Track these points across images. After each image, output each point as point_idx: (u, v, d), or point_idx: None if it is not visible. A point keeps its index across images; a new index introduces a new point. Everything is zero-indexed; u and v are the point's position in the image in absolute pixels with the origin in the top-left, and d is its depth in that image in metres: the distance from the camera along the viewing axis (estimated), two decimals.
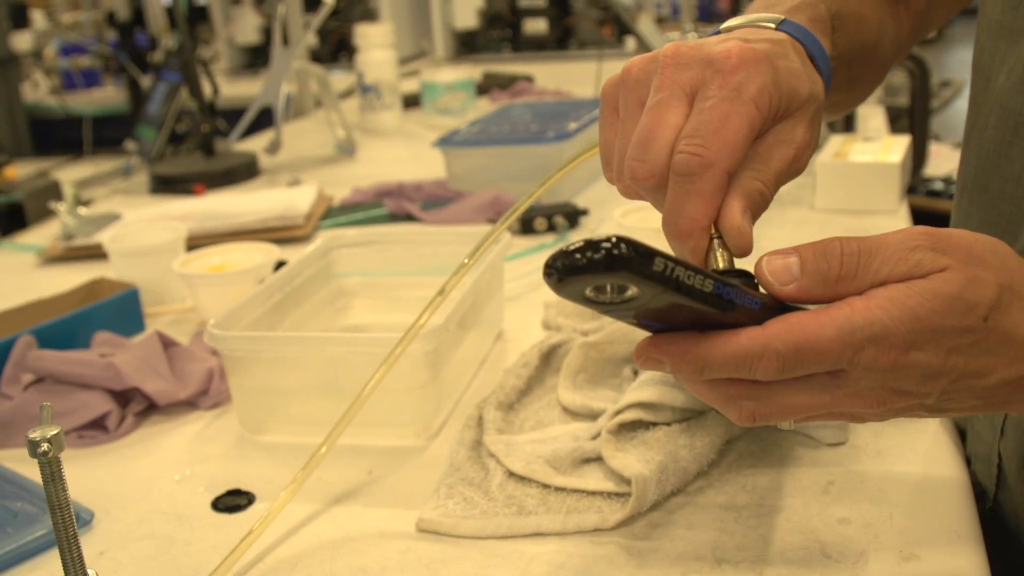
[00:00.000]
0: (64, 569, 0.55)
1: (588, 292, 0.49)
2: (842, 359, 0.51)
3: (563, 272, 0.47)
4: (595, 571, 0.68)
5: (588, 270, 0.47)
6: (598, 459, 0.78)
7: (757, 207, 0.59)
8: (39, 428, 0.52)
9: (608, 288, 0.49)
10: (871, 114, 1.96)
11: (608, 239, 0.47)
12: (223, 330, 0.87)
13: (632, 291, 0.49)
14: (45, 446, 0.52)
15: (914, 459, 0.78)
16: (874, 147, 1.47)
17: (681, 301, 0.50)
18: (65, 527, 0.54)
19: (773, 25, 0.66)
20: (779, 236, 1.32)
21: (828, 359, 0.51)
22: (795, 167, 0.62)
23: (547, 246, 1.34)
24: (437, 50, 3.38)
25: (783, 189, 1.36)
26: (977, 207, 0.83)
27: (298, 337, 0.90)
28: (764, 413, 0.54)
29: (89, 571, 0.56)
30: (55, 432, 0.52)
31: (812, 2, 0.70)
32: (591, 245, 0.47)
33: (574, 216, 1.41)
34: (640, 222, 1.18)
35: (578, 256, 0.47)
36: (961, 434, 0.93)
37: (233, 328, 0.90)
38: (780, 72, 0.60)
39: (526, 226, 1.39)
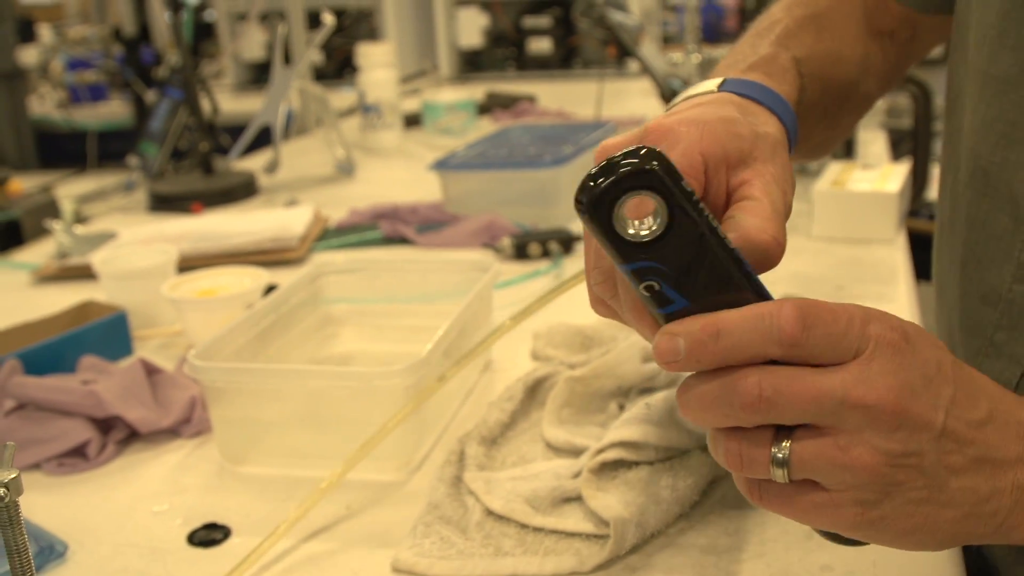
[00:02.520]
0: None
1: (616, 225, 0.48)
2: (853, 325, 0.50)
3: (598, 184, 0.48)
4: None
5: (626, 180, 0.47)
6: (579, 498, 0.77)
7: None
8: None
9: (637, 223, 0.49)
10: (871, 140, 1.95)
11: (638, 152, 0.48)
12: (205, 360, 0.87)
13: (661, 221, 0.48)
14: (2, 491, 0.51)
15: None
16: (873, 175, 1.46)
17: (707, 245, 0.49)
18: (23, 572, 0.53)
19: (714, 88, 0.68)
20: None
21: (841, 322, 0.50)
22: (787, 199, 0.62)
23: (540, 273, 1.33)
24: (441, 68, 3.38)
25: None
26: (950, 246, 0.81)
27: (279, 369, 0.89)
28: (770, 387, 0.50)
29: None
30: (13, 476, 0.51)
31: (771, 55, 0.72)
32: (628, 153, 0.48)
33: (568, 242, 1.40)
34: None
35: (616, 166, 0.48)
36: None
37: (218, 356, 0.89)
38: (711, 126, 0.60)
39: (520, 252, 1.38)
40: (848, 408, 0.50)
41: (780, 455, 0.51)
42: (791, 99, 0.70)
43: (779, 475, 0.51)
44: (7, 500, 0.51)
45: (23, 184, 2.33)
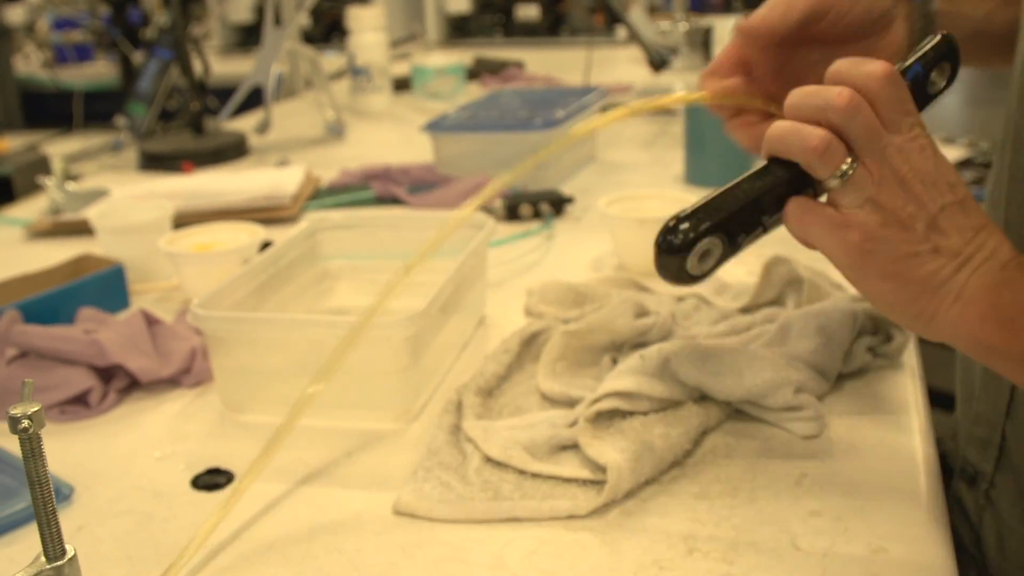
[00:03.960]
0: (43, 544, 0.56)
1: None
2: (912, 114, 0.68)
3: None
4: (568, 557, 0.69)
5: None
6: (574, 446, 0.79)
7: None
8: (20, 405, 0.53)
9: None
10: None
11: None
12: (207, 310, 0.88)
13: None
14: (26, 423, 0.52)
15: (886, 453, 0.79)
16: None
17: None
18: (44, 503, 0.55)
19: None
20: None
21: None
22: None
23: (532, 232, 1.35)
24: (429, 33, 3.38)
25: None
26: None
27: (280, 319, 0.90)
28: (859, 100, 0.65)
29: (67, 546, 0.57)
30: (36, 409, 0.53)
31: None
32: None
33: (559, 203, 1.41)
34: (624, 212, 1.19)
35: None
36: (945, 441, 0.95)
37: (217, 308, 0.91)
38: None
39: (511, 212, 1.39)
40: (889, 156, 0.66)
41: (847, 163, 0.66)
42: None
43: (835, 182, 0.66)
44: (31, 431, 0.53)
45: (8, 144, 2.33)
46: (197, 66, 2.06)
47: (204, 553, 0.72)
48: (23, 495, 0.78)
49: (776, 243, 1.24)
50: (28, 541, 0.75)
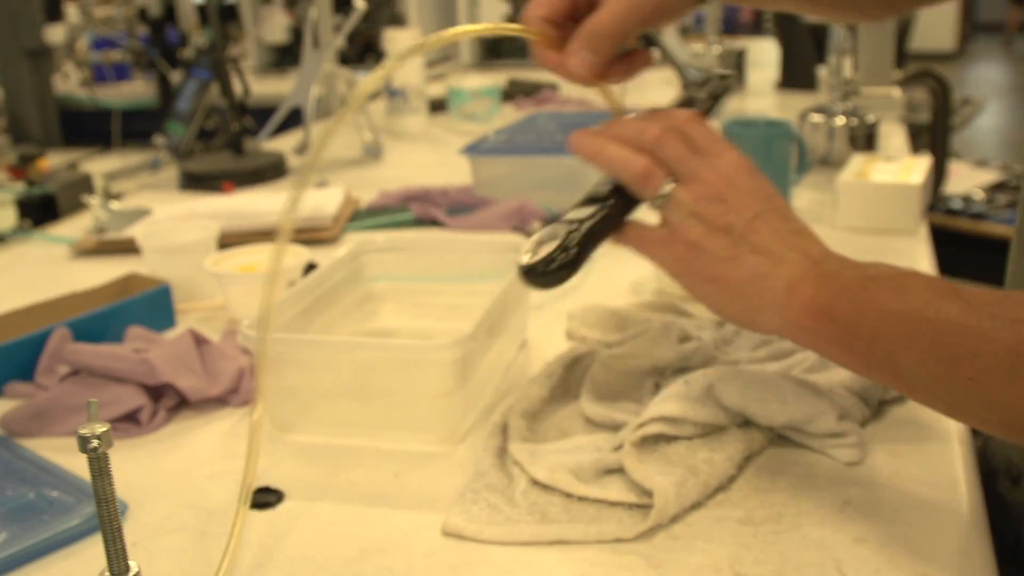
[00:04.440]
0: (108, 560, 0.57)
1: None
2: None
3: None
4: None
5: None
6: (620, 470, 0.80)
7: (594, 41, 0.81)
8: (88, 424, 0.54)
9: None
10: (892, 133, 1.98)
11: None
12: (257, 331, 0.90)
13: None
14: (95, 442, 0.54)
15: (929, 479, 0.80)
16: (895, 167, 1.48)
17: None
18: (110, 520, 0.56)
19: None
20: None
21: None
22: (639, 14, 0.81)
23: None
24: (463, 55, 3.40)
25: (806, 207, 1.37)
26: None
27: (330, 340, 0.92)
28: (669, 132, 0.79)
29: (131, 563, 0.58)
30: (104, 429, 0.54)
31: None
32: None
33: None
34: None
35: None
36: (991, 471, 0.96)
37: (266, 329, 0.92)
38: None
39: None
40: (703, 175, 0.77)
41: (667, 186, 0.77)
42: None
43: (658, 202, 0.77)
44: (100, 451, 0.54)
45: (49, 161, 2.36)
46: (236, 86, 2.09)
47: (256, 572, 0.73)
48: (78, 511, 0.80)
49: None
50: (83, 556, 0.77)
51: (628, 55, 0.85)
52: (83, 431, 0.54)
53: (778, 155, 1.50)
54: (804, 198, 1.57)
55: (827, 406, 0.82)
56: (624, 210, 0.81)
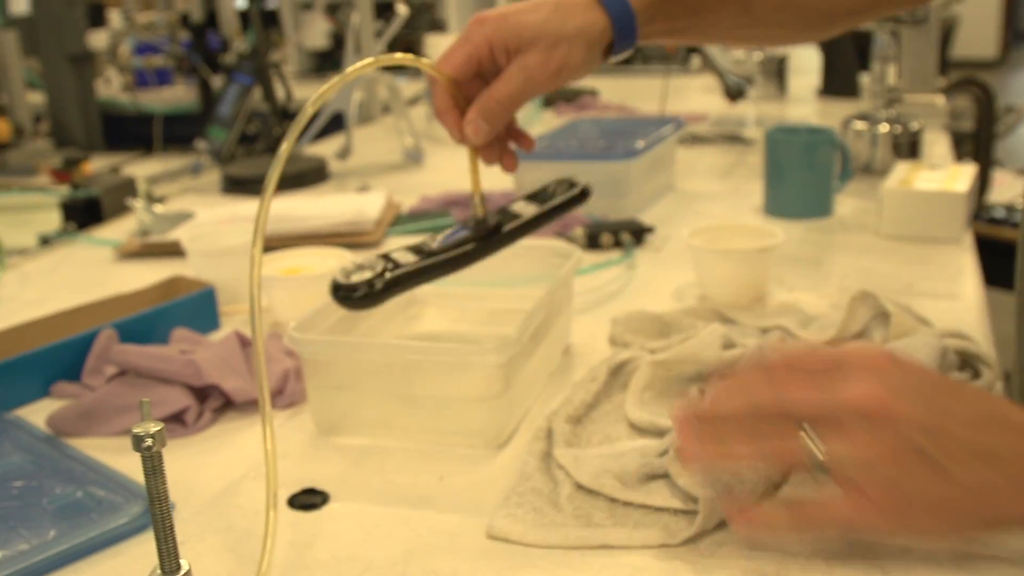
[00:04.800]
0: (159, 558, 0.58)
1: None
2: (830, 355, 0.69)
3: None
4: None
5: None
6: (665, 476, 0.80)
7: (489, 112, 0.87)
8: (142, 424, 0.55)
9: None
10: (936, 141, 1.97)
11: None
12: (303, 333, 0.90)
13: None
14: (149, 441, 0.54)
15: None
16: (940, 175, 1.47)
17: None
18: (163, 519, 0.57)
19: None
20: (843, 262, 1.33)
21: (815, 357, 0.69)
22: (533, 85, 0.87)
23: (613, 262, 1.36)
24: None
25: (848, 215, 1.37)
26: None
27: (375, 344, 0.93)
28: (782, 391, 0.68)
29: (182, 561, 0.59)
30: (158, 428, 0.55)
31: None
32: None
33: (640, 233, 1.43)
34: (708, 242, 1.19)
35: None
36: None
37: (311, 332, 0.93)
38: (505, 21, 0.87)
39: (592, 241, 1.41)
40: (847, 412, 0.64)
41: (817, 452, 0.65)
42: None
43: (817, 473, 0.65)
44: (154, 450, 0.55)
45: (92, 165, 2.39)
46: (279, 91, 2.11)
47: (303, 572, 0.73)
48: (125, 510, 0.81)
49: (856, 277, 1.25)
50: (131, 554, 0.77)
51: (515, 133, 0.94)
52: (137, 430, 0.55)
53: (821, 162, 1.50)
54: (847, 206, 1.56)
55: None
56: (451, 267, 0.90)
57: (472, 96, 0.89)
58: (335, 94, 2.03)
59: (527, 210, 0.96)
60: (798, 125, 1.61)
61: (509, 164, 0.94)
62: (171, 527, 0.57)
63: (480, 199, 0.94)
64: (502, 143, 0.93)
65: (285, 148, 0.81)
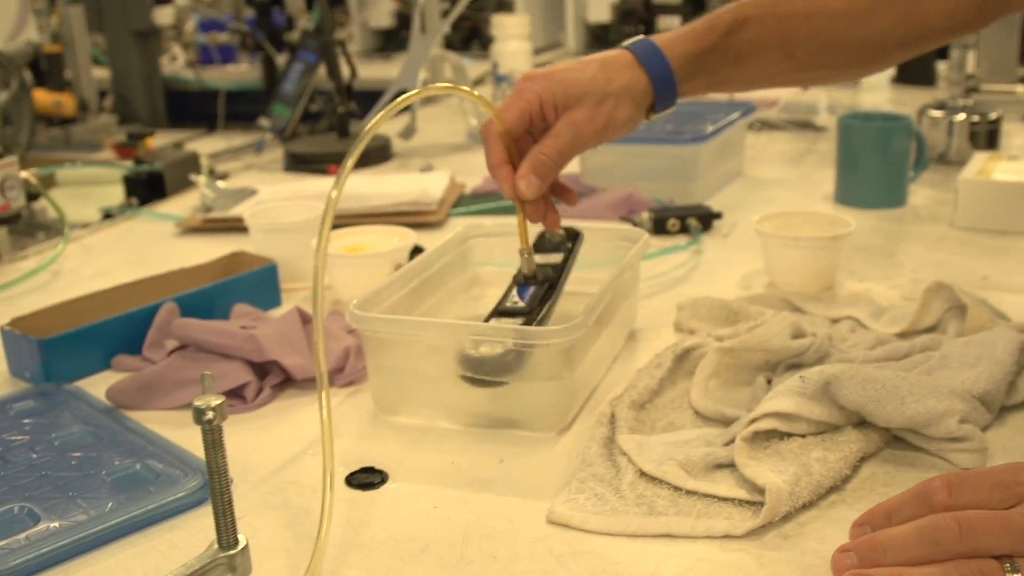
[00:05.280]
0: (217, 531, 0.57)
1: None
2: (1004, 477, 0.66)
3: None
4: None
5: None
6: (730, 465, 0.78)
7: (541, 168, 0.89)
8: (203, 397, 0.54)
9: None
10: (1015, 131, 1.92)
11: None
12: (364, 311, 0.89)
13: None
14: (210, 414, 0.54)
15: None
16: (1019, 166, 1.43)
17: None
18: (222, 493, 0.56)
19: (624, 44, 0.94)
20: (917, 253, 1.29)
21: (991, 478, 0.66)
22: (582, 140, 0.90)
23: (680, 248, 1.33)
24: (569, 42, 3.38)
25: (922, 205, 1.34)
26: None
27: (438, 323, 0.91)
28: (963, 519, 0.63)
29: (240, 536, 0.58)
30: (219, 402, 0.54)
31: (714, 16, 0.93)
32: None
33: (708, 219, 1.40)
34: (776, 229, 1.17)
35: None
36: None
37: (373, 310, 0.92)
38: (554, 78, 0.90)
39: (659, 226, 1.38)
40: None
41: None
42: (686, 55, 0.92)
43: None
44: (214, 423, 0.54)
45: (155, 141, 2.40)
46: (343, 69, 2.10)
47: (359, 551, 0.72)
48: (183, 483, 0.80)
49: (930, 269, 1.22)
50: (188, 527, 0.77)
51: (559, 188, 0.97)
52: (198, 403, 0.54)
53: (896, 151, 1.46)
54: (921, 196, 1.52)
55: (948, 409, 0.79)
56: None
57: (523, 151, 0.91)
58: (400, 72, 2.02)
59: (551, 259, 0.98)
60: (872, 112, 1.57)
61: (552, 221, 0.95)
62: (230, 501, 0.56)
63: (530, 254, 0.95)
64: (547, 199, 0.94)
65: (368, 128, 0.80)
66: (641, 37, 0.94)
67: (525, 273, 0.95)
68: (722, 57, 0.92)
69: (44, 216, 1.72)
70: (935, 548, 0.62)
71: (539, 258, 0.98)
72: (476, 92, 0.93)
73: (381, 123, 0.81)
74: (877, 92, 2.48)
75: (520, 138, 0.92)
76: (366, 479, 0.82)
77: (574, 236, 1.02)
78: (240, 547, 0.57)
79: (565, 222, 0.98)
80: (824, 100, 2.31)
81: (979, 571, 0.61)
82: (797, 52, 0.92)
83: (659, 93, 0.92)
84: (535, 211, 0.93)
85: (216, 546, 0.57)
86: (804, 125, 2.08)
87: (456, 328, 0.90)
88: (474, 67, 2.96)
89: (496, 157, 0.91)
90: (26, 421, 0.93)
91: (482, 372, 0.87)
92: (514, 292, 0.95)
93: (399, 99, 0.82)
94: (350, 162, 0.79)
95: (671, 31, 0.94)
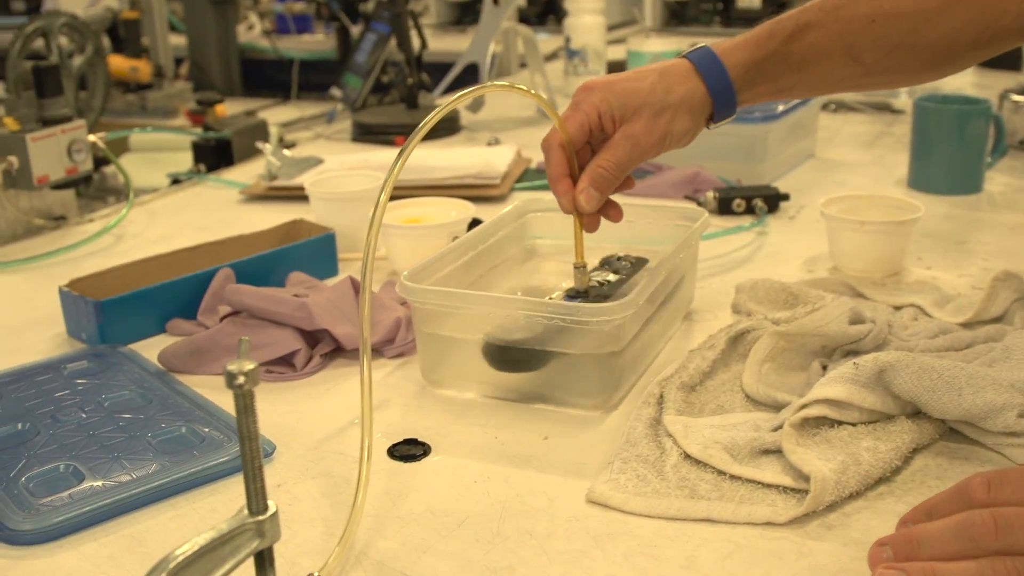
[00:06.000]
0: (247, 498, 0.56)
1: None
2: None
3: None
4: (763, 565, 0.67)
5: None
6: (777, 451, 0.76)
7: (600, 181, 0.89)
8: (236, 361, 0.53)
9: None
10: None
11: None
12: (415, 282, 0.89)
13: None
14: (241, 379, 0.53)
15: None
16: None
17: None
18: (252, 458, 0.55)
19: (681, 52, 0.93)
20: (989, 241, 1.26)
21: None
22: (640, 152, 0.89)
23: (743, 228, 1.31)
24: (646, 19, 3.35)
25: (999, 192, 1.31)
26: None
27: (488, 296, 0.90)
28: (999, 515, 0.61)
29: (270, 502, 0.57)
30: (252, 367, 0.53)
31: (774, 23, 0.91)
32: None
33: (774, 200, 1.38)
34: (843, 212, 1.14)
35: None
36: None
37: (425, 281, 0.91)
38: (613, 89, 0.89)
39: (723, 206, 1.36)
40: None
41: None
42: (746, 63, 0.89)
43: None
44: (245, 387, 0.53)
45: (227, 109, 2.41)
46: (415, 41, 2.09)
47: (396, 523, 0.72)
48: (227, 448, 0.80)
49: (1006, 256, 1.18)
50: (229, 492, 0.77)
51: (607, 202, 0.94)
52: (231, 367, 0.53)
53: (973, 135, 1.42)
54: (998, 183, 1.48)
55: (1007, 402, 0.77)
56: None
57: (582, 162, 0.91)
58: (470, 45, 2.01)
59: (607, 276, 0.98)
60: (951, 94, 1.53)
61: (615, 215, 0.95)
62: (260, 467, 0.56)
63: (585, 269, 0.95)
64: (601, 210, 0.94)
65: (423, 125, 0.81)
66: (702, 45, 0.93)
67: (578, 288, 0.94)
68: (784, 64, 0.90)
69: (114, 180, 1.75)
70: (970, 544, 0.61)
71: (596, 274, 0.97)
72: (541, 95, 0.93)
73: (443, 113, 0.82)
74: (960, 75, 2.41)
75: (579, 149, 0.91)
76: (408, 451, 0.82)
77: (640, 263, 1.01)
78: (269, 513, 0.57)
79: (627, 202, 0.97)
80: None
81: (1015, 568, 0.59)
82: (863, 56, 0.89)
83: (718, 103, 0.91)
84: (592, 223, 0.93)
85: (246, 511, 0.57)
86: (881, 107, 2.04)
87: (504, 301, 0.89)
88: (548, 42, 2.94)
89: (557, 170, 0.91)
90: (79, 381, 0.93)
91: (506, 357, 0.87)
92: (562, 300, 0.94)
93: (454, 97, 0.84)
94: (414, 140, 0.80)
95: (732, 38, 0.92)
